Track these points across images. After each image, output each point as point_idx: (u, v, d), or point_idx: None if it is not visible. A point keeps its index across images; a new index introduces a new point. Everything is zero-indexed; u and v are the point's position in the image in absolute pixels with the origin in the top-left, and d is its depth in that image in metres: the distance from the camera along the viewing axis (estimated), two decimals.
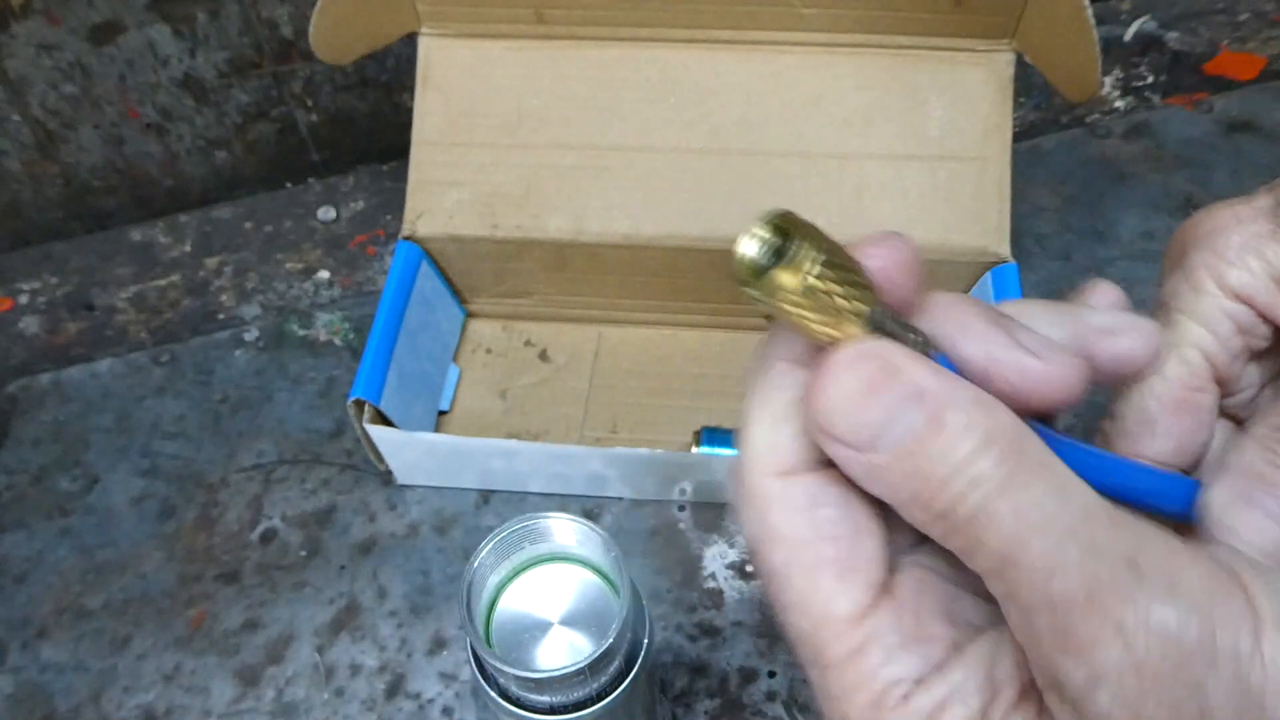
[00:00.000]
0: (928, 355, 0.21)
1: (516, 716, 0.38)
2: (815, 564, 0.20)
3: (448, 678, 0.50)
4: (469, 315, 0.63)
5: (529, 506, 0.55)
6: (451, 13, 0.56)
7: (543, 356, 0.61)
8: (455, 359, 0.61)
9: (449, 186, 0.57)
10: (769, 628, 0.50)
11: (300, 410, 0.60)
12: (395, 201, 0.69)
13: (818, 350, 0.21)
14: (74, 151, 0.68)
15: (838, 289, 0.20)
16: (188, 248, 0.70)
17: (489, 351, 0.62)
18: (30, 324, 0.66)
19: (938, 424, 0.19)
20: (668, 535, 0.54)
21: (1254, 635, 0.16)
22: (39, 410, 0.61)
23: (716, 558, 0.53)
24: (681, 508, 0.55)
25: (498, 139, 0.56)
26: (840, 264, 0.21)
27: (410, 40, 0.57)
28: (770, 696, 0.49)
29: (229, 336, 0.64)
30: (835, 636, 0.20)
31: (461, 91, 0.57)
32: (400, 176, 0.57)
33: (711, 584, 0.52)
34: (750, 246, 0.21)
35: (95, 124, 0.67)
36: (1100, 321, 0.23)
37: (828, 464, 0.21)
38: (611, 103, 0.56)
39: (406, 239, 0.56)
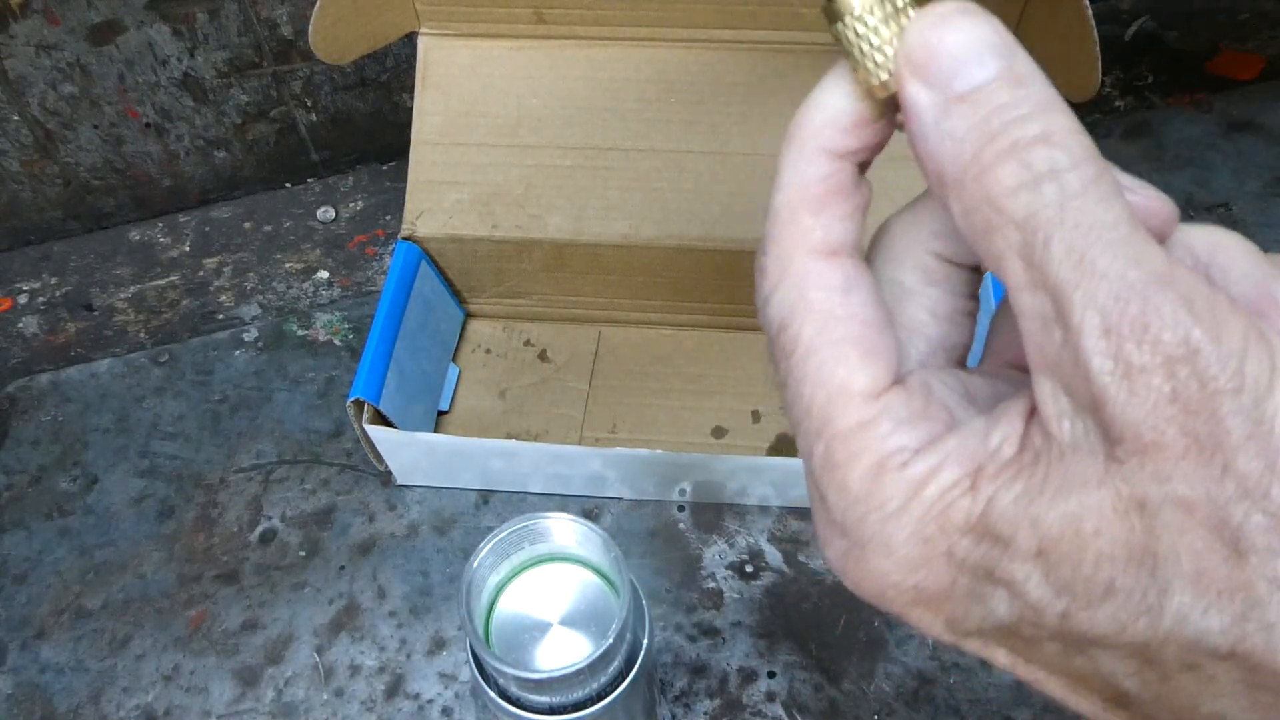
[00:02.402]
0: None
1: (516, 716, 0.38)
2: (843, 339, 0.21)
3: (447, 678, 0.50)
4: (469, 315, 0.63)
5: (529, 507, 0.55)
6: (451, 12, 0.56)
7: (542, 356, 0.61)
8: (455, 359, 0.61)
9: (449, 186, 0.57)
10: (769, 628, 0.50)
11: (299, 410, 0.60)
12: (395, 201, 0.69)
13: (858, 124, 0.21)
14: (73, 151, 0.68)
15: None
16: (187, 248, 0.69)
17: (489, 351, 0.62)
18: (30, 324, 0.66)
19: (1023, 82, 0.19)
20: (667, 535, 0.54)
21: (1271, 375, 0.17)
22: (38, 410, 0.61)
23: (716, 558, 0.53)
24: (681, 508, 0.55)
25: (498, 139, 0.56)
26: None
27: (410, 40, 0.57)
28: (770, 697, 0.49)
29: (228, 336, 0.64)
30: (850, 408, 0.21)
31: (461, 91, 0.57)
32: (400, 176, 0.57)
33: (711, 584, 0.52)
34: None
35: (94, 124, 0.67)
36: None
37: (861, 257, 0.22)
38: (611, 103, 0.56)
39: (406, 239, 0.56)
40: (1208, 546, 0.17)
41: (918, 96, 0.19)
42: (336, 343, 0.63)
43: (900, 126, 0.21)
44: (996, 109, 0.19)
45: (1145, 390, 0.17)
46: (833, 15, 0.21)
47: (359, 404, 0.50)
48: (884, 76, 0.20)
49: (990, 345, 0.24)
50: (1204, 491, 0.17)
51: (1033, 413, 0.20)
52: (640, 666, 0.39)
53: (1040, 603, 0.19)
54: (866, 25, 0.20)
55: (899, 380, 0.21)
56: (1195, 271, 0.21)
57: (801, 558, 0.53)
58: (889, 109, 0.21)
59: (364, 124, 0.72)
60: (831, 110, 0.22)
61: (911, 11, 0.20)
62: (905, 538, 0.20)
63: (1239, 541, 0.17)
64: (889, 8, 0.20)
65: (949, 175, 0.19)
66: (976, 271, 0.24)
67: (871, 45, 0.20)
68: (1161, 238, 0.22)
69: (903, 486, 0.20)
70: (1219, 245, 0.22)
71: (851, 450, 0.20)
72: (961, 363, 0.24)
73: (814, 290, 0.21)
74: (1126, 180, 0.22)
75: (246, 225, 0.70)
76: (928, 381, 0.22)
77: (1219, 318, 0.18)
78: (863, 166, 0.22)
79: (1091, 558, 0.18)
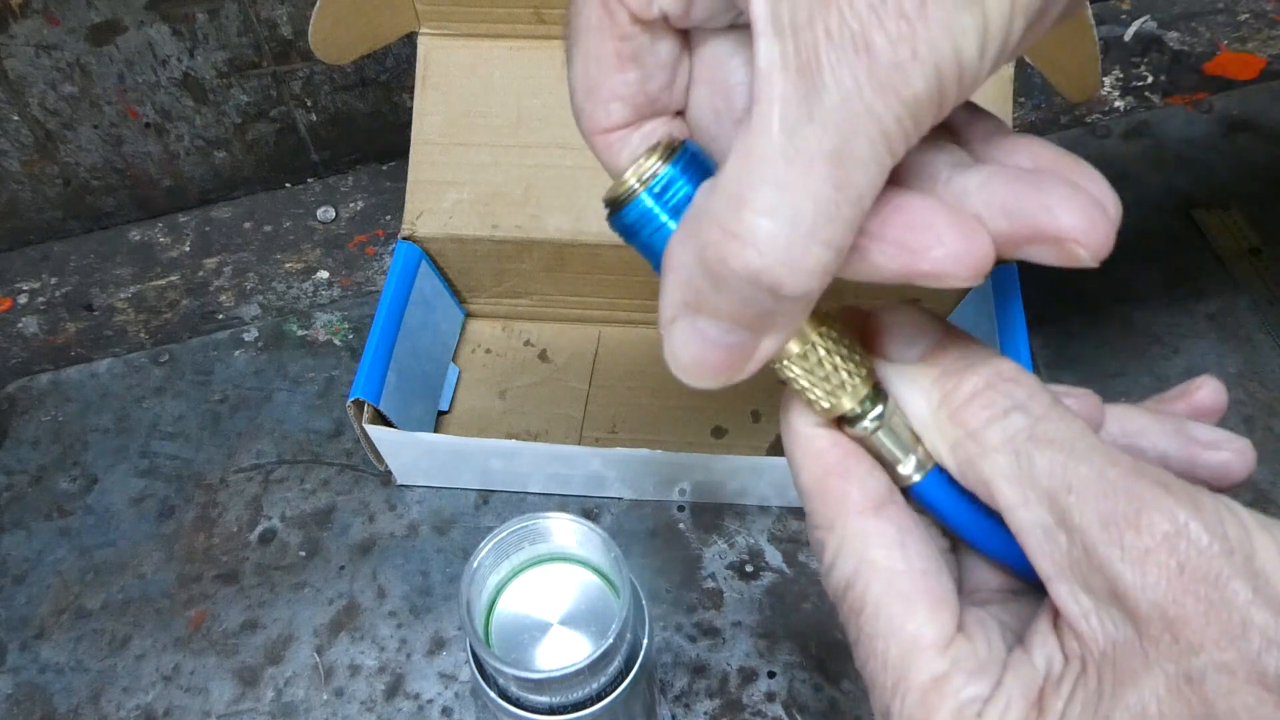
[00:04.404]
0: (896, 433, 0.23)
1: (516, 716, 0.38)
2: (910, 593, 0.22)
3: (447, 678, 0.50)
4: (468, 315, 0.63)
5: (528, 507, 0.55)
6: (451, 13, 0.55)
7: (542, 356, 0.61)
8: (455, 359, 0.61)
9: (449, 186, 0.57)
10: (769, 628, 0.50)
11: (299, 410, 0.60)
12: (395, 201, 0.69)
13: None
14: (73, 151, 0.68)
15: (840, 357, 0.23)
16: (187, 248, 0.69)
17: (488, 351, 0.62)
18: (29, 324, 0.66)
19: (963, 353, 0.23)
20: (667, 535, 0.54)
21: (1246, 532, 0.19)
22: (38, 410, 0.61)
23: (716, 558, 0.53)
24: (681, 508, 0.55)
25: (497, 139, 0.56)
26: (841, 335, 0.23)
27: (410, 40, 0.57)
28: (770, 697, 0.49)
29: (228, 336, 0.64)
30: (923, 661, 0.22)
31: (461, 91, 0.57)
32: (400, 176, 0.57)
33: (711, 584, 0.52)
34: None
35: (94, 124, 0.67)
36: (1204, 436, 0.25)
37: (903, 503, 0.24)
38: None
39: (406, 239, 0.56)
40: (1258, 699, 0.19)
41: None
42: (336, 343, 0.63)
43: None
44: (954, 386, 0.22)
45: (1156, 568, 0.19)
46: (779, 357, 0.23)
47: (359, 404, 0.50)
48: (827, 406, 0.23)
49: (964, 588, 0.25)
50: (1236, 652, 0.19)
51: (1057, 620, 0.21)
52: (640, 666, 0.39)
53: None
54: (811, 370, 0.23)
55: (961, 626, 0.23)
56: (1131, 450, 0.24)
57: (801, 558, 0.53)
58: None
59: (364, 124, 0.72)
60: (806, 433, 0.24)
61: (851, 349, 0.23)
62: None
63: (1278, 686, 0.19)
64: (835, 351, 0.23)
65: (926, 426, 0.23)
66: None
67: (821, 384, 0.23)
68: (1097, 428, 0.25)
69: None
70: (1127, 418, 0.25)
71: (930, 705, 0.22)
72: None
73: (874, 549, 0.23)
74: (1059, 389, 0.24)
75: (246, 225, 0.70)
76: (976, 617, 0.23)
77: (1191, 494, 0.20)
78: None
79: None
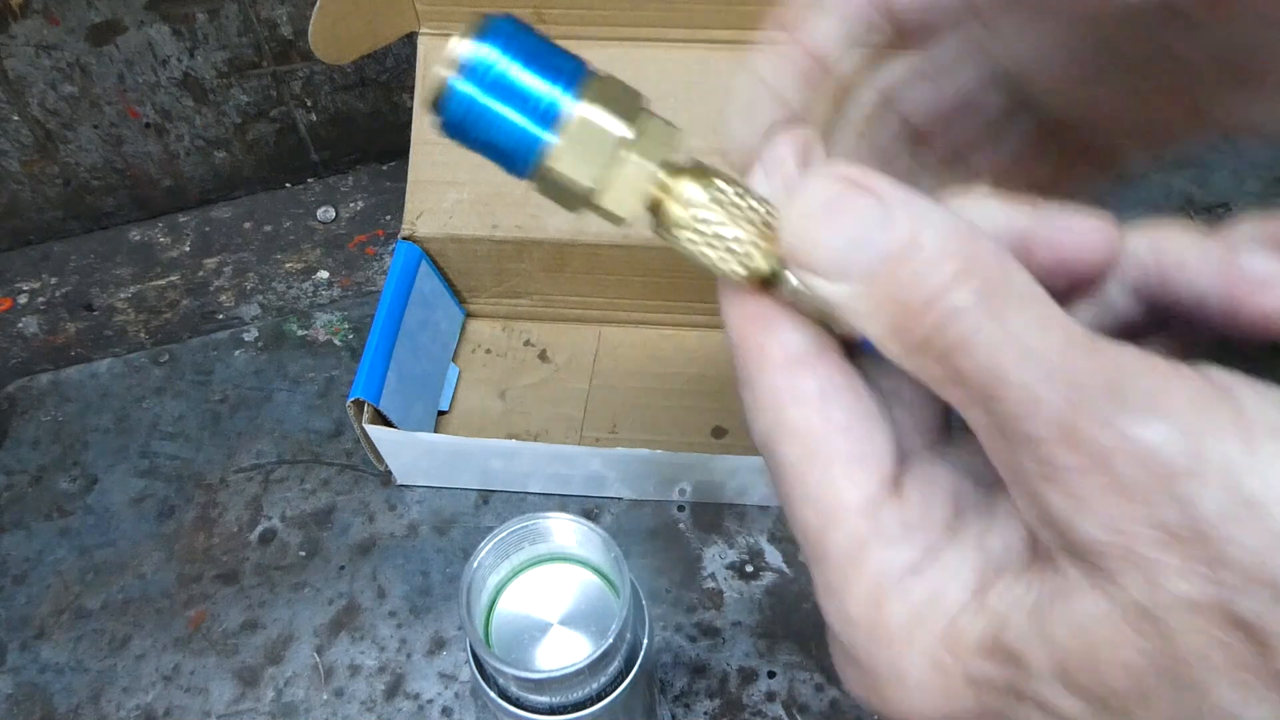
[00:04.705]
0: None
1: (516, 716, 0.38)
2: (828, 456, 0.20)
3: (447, 678, 0.50)
4: (469, 315, 0.63)
5: (529, 507, 0.55)
6: (451, 13, 0.55)
7: (542, 356, 0.61)
8: (455, 359, 0.61)
9: (448, 186, 0.57)
10: (769, 628, 0.50)
11: (299, 410, 0.60)
12: (395, 201, 0.69)
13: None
14: (73, 151, 0.68)
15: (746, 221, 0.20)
16: (187, 248, 0.69)
17: (489, 351, 0.62)
18: (29, 324, 0.66)
19: (911, 246, 0.18)
20: (667, 535, 0.54)
21: (1248, 444, 0.16)
22: (38, 410, 0.61)
23: (716, 558, 0.53)
24: (681, 508, 0.55)
25: None
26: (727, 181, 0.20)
27: (410, 40, 0.57)
28: (770, 697, 0.49)
29: (228, 336, 0.64)
30: (841, 529, 0.19)
31: None
32: (400, 176, 0.57)
33: (711, 584, 0.52)
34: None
35: (94, 124, 0.67)
36: (1257, 271, 0.20)
37: (837, 350, 0.21)
38: None
39: (406, 239, 0.56)
40: (1233, 639, 0.16)
41: (823, 291, 0.19)
42: (336, 343, 0.63)
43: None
44: (899, 285, 0.18)
45: (1092, 492, 0.16)
46: (665, 225, 0.20)
47: (359, 404, 0.50)
48: (743, 272, 0.20)
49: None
50: (1201, 588, 0.16)
51: None
52: (640, 666, 0.39)
53: (1079, 718, 0.17)
54: (709, 232, 0.20)
55: (895, 483, 0.20)
56: (1140, 302, 0.20)
57: (801, 558, 0.53)
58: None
59: (364, 124, 0.72)
60: (734, 295, 0.21)
61: (754, 203, 0.20)
62: (918, 668, 0.19)
63: (1259, 633, 0.16)
64: (729, 207, 0.20)
65: (875, 337, 0.19)
66: None
67: (720, 249, 0.20)
68: (1109, 262, 0.21)
69: (906, 613, 0.19)
70: (1162, 248, 0.21)
71: (846, 576, 0.19)
72: (947, 425, 0.23)
73: (789, 409, 0.20)
74: (1060, 212, 0.21)
75: (246, 225, 0.70)
76: (925, 475, 0.20)
77: (1157, 393, 0.16)
78: None
79: (1116, 671, 0.17)
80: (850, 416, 0.20)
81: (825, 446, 0.20)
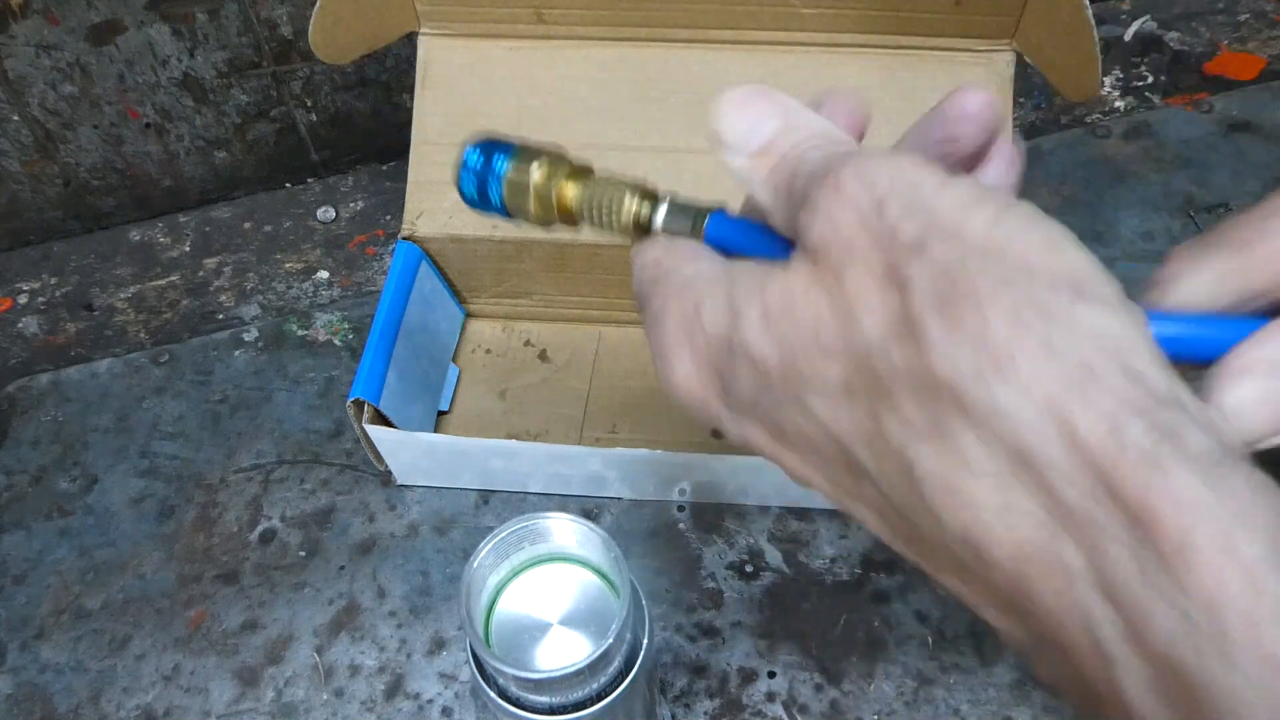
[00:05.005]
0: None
1: (516, 716, 0.38)
2: (691, 272, 0.27)
3: (447, 678, 0.50)
4: (469, 315, 0.63)
5: (529, 507, 0.55)
6: (451, 13, 0.55)
7: (543, 356, 0.61)
8: (455, 359, 0.61)
9: (449, 186, 0.56)
10: (769, 628, 0.50)
11: (299, 410, 0.60)
12: (395, 201, 0.69)
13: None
14: (73, 151, 0.68)
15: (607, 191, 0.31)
16: (187, 248, 0.70)
17: (489, 351, 0.62)
18: (30, 324, 0.66)
19: (789, 130, 0.25)
20: (667, 535, 0.54)
21: (941, 182, 0.22)
22: (38, 410, 0.61)
23: (716, 558, 0.53)
24: (681, 508, 0.55)
25: None
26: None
27: (410, 40, 0.57)
28: (770, 697, 0.49)
29: (228, 337, 0.64)
30: (674, 280, 0.27)
31: (461, 91, 0.57)
32: (400, 176, 0.57)
33: (711, 584, 0.52)
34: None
35: (94, 124, 0.67)
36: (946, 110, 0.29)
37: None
38: (611, 103, 0.56)
39: (406, 239, 0.56)
40: (888, 288, 0.21)
41: (733, 163, 0.26)
42: (336, 343, 0.63)
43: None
44: (778, 155, 0.26)
45: (827, 206, 0.23)
46: (570, 214, 0.32)
47: (359, 404, 0.50)
48: (625, 221, 0.30)
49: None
50: (879, 259, 0.21)
51: None
52: (640, 666, 0.39)
53: (766, 357, 0.23)
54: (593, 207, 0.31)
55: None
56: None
57: (801, 558, 0.53)
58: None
59: (364, 124, 0.72)
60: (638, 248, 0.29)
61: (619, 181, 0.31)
62: (684, 359, 0.26)
63: (903, 282, 0.21)
64: (601, 188, 0.31)
65: (760, 194, 0.26)
66: None
67: (604, 215, 0.30)
68: (861, 127, 0.29)
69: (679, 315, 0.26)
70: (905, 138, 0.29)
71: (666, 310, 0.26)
72: None
73: (664, 263, 0.27)
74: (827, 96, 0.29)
75: (246, 225, 0.70)
76: (746, 265, 0.26)
77: (890, 159, 0.23)
78: None
79: (806, 314, 0.22)
80: (701, 251, 0.28)
81: (688, 266, 0.27)
